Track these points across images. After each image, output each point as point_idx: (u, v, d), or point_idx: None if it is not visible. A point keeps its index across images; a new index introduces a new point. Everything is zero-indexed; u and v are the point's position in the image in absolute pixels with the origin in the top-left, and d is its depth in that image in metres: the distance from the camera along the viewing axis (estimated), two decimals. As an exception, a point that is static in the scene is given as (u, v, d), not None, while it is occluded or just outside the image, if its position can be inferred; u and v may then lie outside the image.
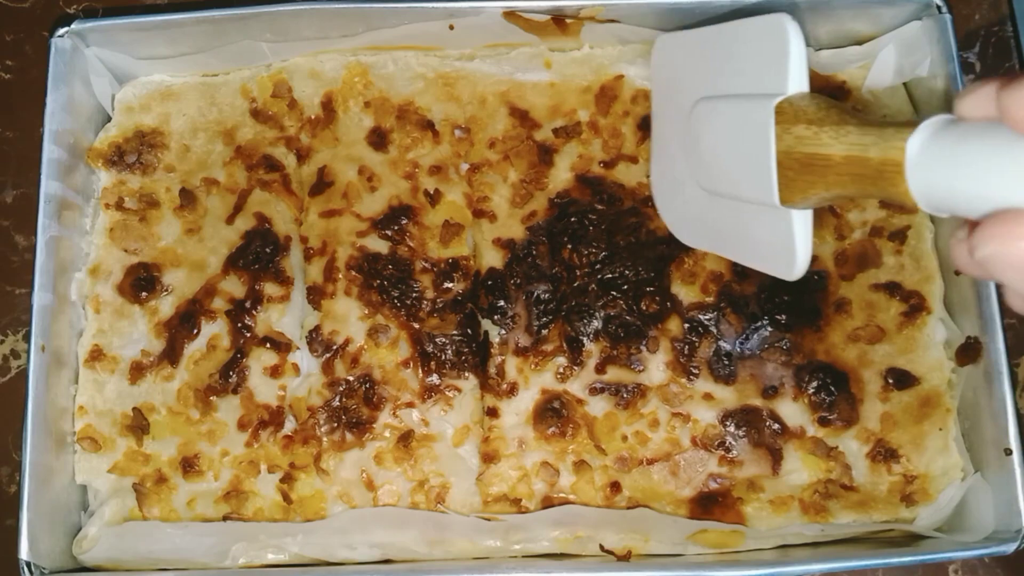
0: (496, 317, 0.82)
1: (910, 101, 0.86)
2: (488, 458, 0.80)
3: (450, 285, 0.82)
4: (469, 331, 0.81)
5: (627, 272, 0.82)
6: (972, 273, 0.47)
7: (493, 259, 0.83)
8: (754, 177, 0.64)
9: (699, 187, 0.74)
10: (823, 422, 0.80)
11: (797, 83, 0.61)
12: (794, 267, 0.64)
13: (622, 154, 0.85)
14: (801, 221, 0.63)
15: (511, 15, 0.83)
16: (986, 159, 0.43)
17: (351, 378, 0.80)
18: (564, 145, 0.85)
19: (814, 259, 0.81)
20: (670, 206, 0.80)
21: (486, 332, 0.82)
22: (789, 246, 0.64)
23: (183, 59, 0.86)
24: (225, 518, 0.79)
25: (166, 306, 0.83)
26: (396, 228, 0.83)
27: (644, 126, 0.85)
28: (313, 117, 0.87)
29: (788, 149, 0.60)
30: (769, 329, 0.81)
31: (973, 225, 0.43)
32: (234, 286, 0.83)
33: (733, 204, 0.69)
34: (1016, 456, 0.74)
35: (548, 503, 0.79)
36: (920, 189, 0.47)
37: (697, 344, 0.81)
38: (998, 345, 0.77)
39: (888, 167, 0.49)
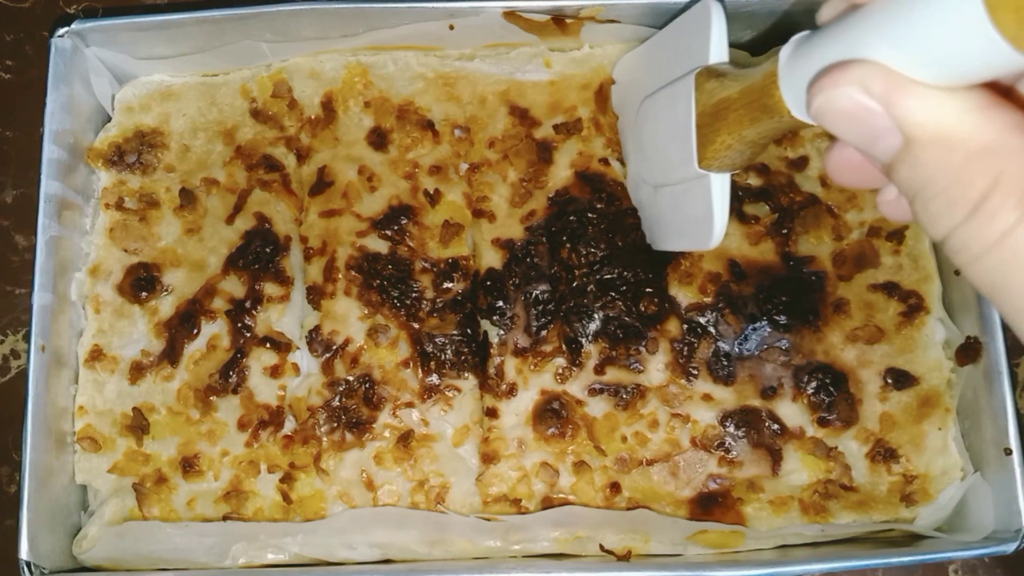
0: (495, 318, 0.82)
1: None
2: (488, 458, 0.80)
3: (450, 285, 0.82)
4: (469, 331, 0.81)
5: (625, 273, 0.82)
6: (860, 184, 0.50)
7: (492, 259, 0.83)
8: (680, 149, 0.68)
9: (649, 186, 0.78)
10: (822, 422, 0.80)
11: (718, 53, 0.66)
12: (711, 233, 0.67)
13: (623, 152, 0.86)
14: (719, 186, 0.66)
15: (511, 15, 0.83)
16: (830, 43, 0.45)
17: (351, 378, 0.80)
18: (564, 142, 0.85)
19: (812, 259, 0.82)
20: (644, 216, 0.83)
21: (485, 332, 0.82)
22: (708, 215, 0.67)
23: (183, 59, 0.86)
24: (225, 518, 0.79)
25: (166, 306, 0.83)
26: (396, 228, 0.83)
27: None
28: (313, 117, 0.87)
29: (703, 107, 0.65)
30: (768, 330, 0.81)
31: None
32: (234, 286, 0.83)
33: (670, 192, 0.73)
34: (1016, 456, 0.74)
35: (548, 504, 0.79)
36: (789, 93, 0.51)
37: (696, 345, 0.81)
38: (998, 345, 0.77)
39: (768, 82, 0.54)
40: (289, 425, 0.80)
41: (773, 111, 0.54)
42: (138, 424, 0.80)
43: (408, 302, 0.82)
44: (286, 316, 0.83)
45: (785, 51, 0.51)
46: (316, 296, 0.82)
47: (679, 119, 0.68)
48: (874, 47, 0.41)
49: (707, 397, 0.80)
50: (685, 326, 0.81)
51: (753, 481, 0.79)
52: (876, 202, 0.50)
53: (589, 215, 0.83)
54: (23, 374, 0.78)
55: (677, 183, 0.71)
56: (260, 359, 0.81)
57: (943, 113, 0.39)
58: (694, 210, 0.69)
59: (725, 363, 0.81)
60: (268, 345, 0.81)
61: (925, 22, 0.38)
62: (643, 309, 0.81)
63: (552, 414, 0.80)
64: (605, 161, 0.85)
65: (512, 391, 0.81)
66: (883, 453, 0.79)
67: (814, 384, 0.80)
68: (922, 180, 0.40)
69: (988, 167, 0.38)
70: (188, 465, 0.80)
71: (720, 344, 0.81)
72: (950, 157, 0.39)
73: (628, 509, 0.79)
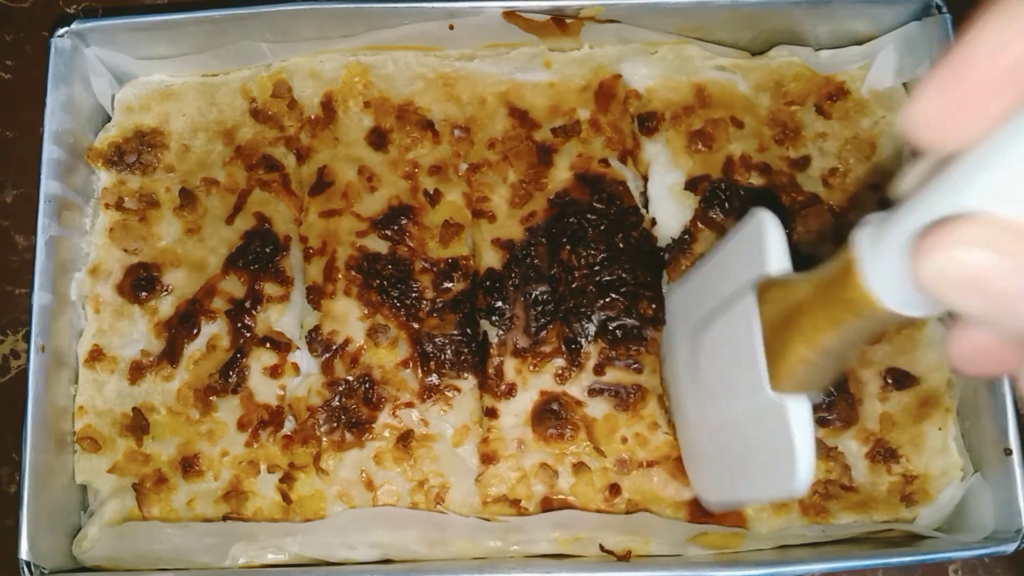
0: (494, 318, 0.82)
1: (910, 101, 0.86)
2: (487, 459, 0.80)
3: (450, 285, 0.82)
4: (468, 331, 0.81)
5: (624, 275, 0.82)
6: (969, 368, 0.40)
7: (492, 259, 0.83)
8: (746, 374, 0.59)
9: (709, 426, 0.70)
10: (822, 422, 0.79)
11: (778, 262, 0.60)
12: (795, 474, 0.57)
13: (624, 150, 0.85)
14: (798, 413, 0.57)
15: (511, 15, 0.83)
16: (925, 207, 0.38)
17: (351, 378, 0.80)
18: (564, 144, 0.85)
19: (812, 259, 0.82)
20: (695, 467, 0.75)
21: (485, 332, 0.82)
22: (788, 450, 0.57)
23: (183, 59, 0.87)
24: (225, 518, 0.79)
25: (166, 306, 0.83)
26: (396, 228, 0.83)
27: (643, 124, 0.86)
28: (313, 117, 0.87)
29: (769, 320, 0.57)
30: (768, 329, 0.81)
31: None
32: (234, 286, 0.83)
33: (737, 430, 0.65)
34: (1016, 456, 0.74)
35: (547, 505, 0.79)
36: (878, 280, 0.43)
37: (696, 344, 0.81)
38: (998, 345, 0.76)
39: (845, 273, 0.46)
40: (289, 425, 0.80)
41: (858, 307, 0.45)
42: (138, 424, 0.80)
43: (408, 302, 0.82)
44: (286, 316, 0.83)
45: (862, 233, 0.44)
46: (316, 296, 0.82)
47: (742, 340, 0.59)
48: (979, 198, 0.34)
49: (707, 397, 0.80)
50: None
51: (753, 481, 0.79)
52: (1017, 391, 0.44)
53: (589, 216, 0.83)
54: (23, 374, 0.78)
55: (745, 417, 0.62)
56: (260, 359, 0.81)
57: None
58: (770, 447, 0.60)
59: (725, 363, 0.80)
60: (268, 345, 0.81)
61: None
62: (642, 311, 0.81)
63: (551, 415, 0.80)
64: (605, 162, 0.85)
65: (511, 391, 0.81)
66: (883, 453, 0.79)
67: (814, 384, 0.80)
68: None
69: None
70: (188, 465, 0.80)
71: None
72: None
73: (628, 512, 0.78)
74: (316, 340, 0.81)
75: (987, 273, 0.33)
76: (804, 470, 0.57)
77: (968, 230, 0.33)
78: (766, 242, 0.60)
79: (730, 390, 0.64)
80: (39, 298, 0.78)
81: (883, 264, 0.43)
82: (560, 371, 0.81)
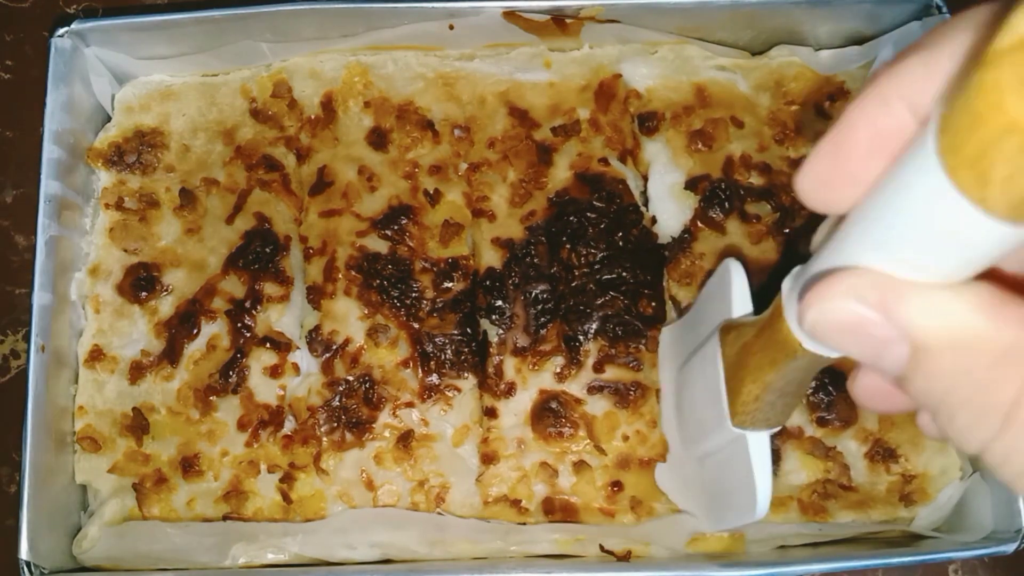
0: (494, 317, 0.82)
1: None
2: (487, 459, 0.80)
3: (450, 285, 0.82)
4: (468, 330, 0.81)
5: (624, 273, 0.82)
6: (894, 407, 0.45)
7: (492, 259, 0.83)
8: (714, 410, 0.63)
9: (694, 462, 0.73)
10: (821, 422, 0.80)
11: (740, 306, 0.64)
12: (754, 501, 0.62)
13: (624, 149, 0.85)
14: (756, 446, 0.62)
15: (511, 15, 0.83)
16: (821, 261, 0.42)
17: (351, 378, 0.80)
18: (563, 144, 0.85)
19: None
20: (693, 497, 0.77)
21: (485, 331, 0.82)
22: (749, 479, 0.62)
23: (183, 59, 0.87)
24: (225, 518, 0.79)
25: (166, 306, 0.83)
26: (396, 228, 0.83)
27: (643, 124, 0.86)
28: (313, 117, 0.87)
29: (728, 360, 0.62)
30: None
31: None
32: (234, 286, 0.83)
33: (713, 462, 0.69)
34: (1015, 456, 0.74)
35: (548, 504, 0.79)
36: (799, 331, 0.47)
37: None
38: (998, 345, 0.76)
39: (775, 316, 0.50)
40: (289, 425, 0.80)
41: (788, 348, 0.49)
42: (138, 424, 0.80)
43: (408, 302, 0.82)
44: (286, 316, 0.83)
45: (786, 280, 0.48)
46: (316, 296, 0.82)
47: (708, 379, 0.64)
48: (861, 253, 0.37)
49: (707, 397, 0.80)
50: (685, 326, 0.81)
51: (753, 481, 0.79)
52: (917, 425, 0.45)
53: (589, 215, 0.83)
54: (23, 374, 0.78)
55: (717, 451, 0.67)
56: (260, 359, 0.81)
57: (950, 315, 0.35)
58: (736, 476, 0.64)
59: (725, 363, 0.81)
60: (268, 345, 0.81)
61: (900, 208, 0.35)
62: (642, 310, 0.81)
63: (551, 413, 0.80)
64: (605, 161, 0.85)
65: (511, 390, 0.81)
66: (882, 453, 0.79)
67: (813, 383, 0.80)
68: (940, 391, 0.36)
69: (1015, 371, 0.33)
70: (188, 465, 0.80)
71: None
72: (969, 363, 0.34)
73: (631, 509, 0.78)
74: (316, 340, 0.81)
75: (860, 322, 0.37)
76: (762, 498, 0.62)
77: (843, 283, 0.37)
78: (731, 288, 0.65)
79: (703, 426, 0.68)
80: (39, 298, 0.78)
81: (796, 309, 0.45)
82: (560, 369, 0.81)
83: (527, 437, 0.80)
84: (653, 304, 0.81)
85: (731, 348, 0.61)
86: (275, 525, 0.78)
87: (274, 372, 0.81)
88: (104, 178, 0.86)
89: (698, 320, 0.73)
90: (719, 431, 0.64)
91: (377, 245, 0.83)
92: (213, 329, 0.82)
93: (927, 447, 0.79)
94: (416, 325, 0.81)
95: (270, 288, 0.83)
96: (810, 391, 0.80)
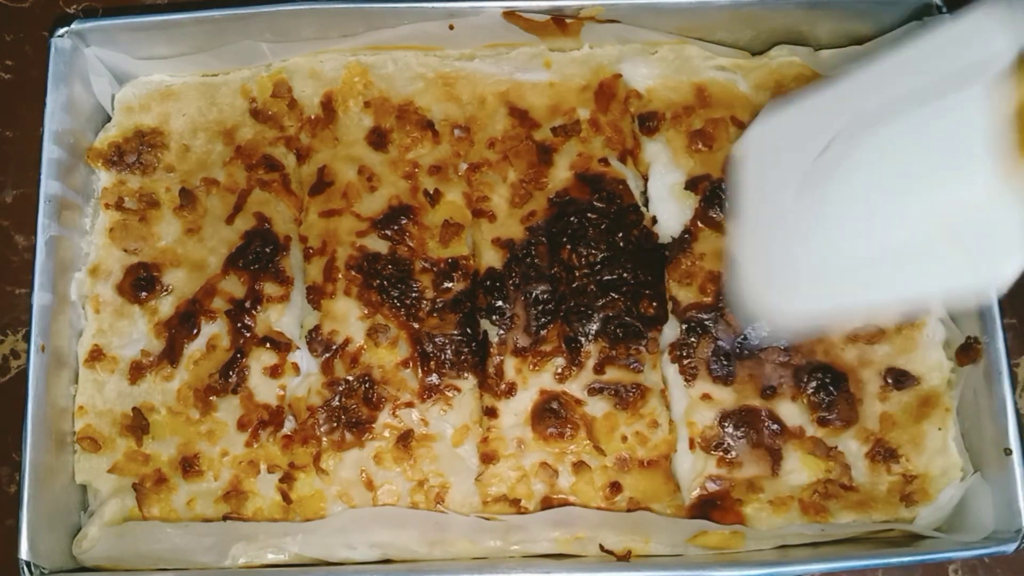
0: (494, 317, 0.82)
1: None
2: (487, 459, 0.80)
3: (450, 285, 0.82)
4: (468, 331, 0.81)
5: (625, 274, 0.82)
6: None
7: (492, 259, 0.83)
8: (952, 168, 0.58)
9: (830, 238, 0.68)
10: (822, 422, 0.80)
11: None
12: (1008, 261, 0.57)
13: (624, 149, 0.85)
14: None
15: (511, 15, 0.83)
16: None
17: (351, 378, 0.80)
18: (564, 144, 0.85)
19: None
20: (782, 288, 0.73)
21: (485, 332, 0.82)
22: (1006, 236, 0.57)
23: (183, 59, 0.87)
24: (225, 518, 0.79)
25: (166, 306, 0.83)
26: (396, 228, 0.83)
27: (643, 124, 0.86)
28: (313, 117, 0.87)
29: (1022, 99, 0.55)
30: (767, 329, 0.81)
31: None
32: (234, 286, 0.83)
33: (903, 225, 0.63)
34: (1016, 456, 0.74)
35: (548, 504, 0.79)
36: None
37: (695, 344, 0.81)
38: (998, 345, 0.77)
39: None
40: (289, 425, 0.80)
41: None
42: (138, 424, 0.80)
43: (408, 302, 0.82)
44: (286, 316, 0.83)
45: None
46: (316, 296, 0.82)
47: (959, 129, 0.58)
48: None
49: (706, 397, 0.80)
50: (684, 326, 0.81)
51: (753, 481, 0.79)
52: None
53: (589, 215, 0.83)
54: (23, 374, 0.78)
55: (928, 212, 0.61)
56: (260, 359, 0.81)
57: None
58: (972, 235, 0.59)
59: (724, 362, 0.81)
60: (268, 345, 0.81)
61: None
62: (642, 310, 0.81)
63: (551, 414, 0.80)
64: (605, 161, 0.85)
65: (511, 391, 0.81)
66: (883, 453, 0.79)
67: (814, 383, 0.80)
68: None
69: None
70: (188, 465, 0.80)
71: (719, 343, 0.81)
72: None
73: (628, 511, 0.78)
74: (316, 340, 0.81)
75: None
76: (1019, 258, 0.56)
77: None
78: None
79: (907, 188, 0.62)
80: (39, 298, 0.78)
81: None
82: (560, 370, 0.81)
83: (527, 437, 0.80)
84: (654, 304, 0.81)
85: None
86: (275, 525, 0.78)
87: (274, 372, 0.81)
88: (104, 178, 0.86)
89: (887, 83, 0.65)
90: (954, 186, 0.58)
91: (377, 245, 0.83)
92: (213, 329, 0.82)
93: (928, 447, 0.79)
94: (416, 325, 0.81)
95: (270, 288, 0.83)
96: (811, 391, 0.80)
